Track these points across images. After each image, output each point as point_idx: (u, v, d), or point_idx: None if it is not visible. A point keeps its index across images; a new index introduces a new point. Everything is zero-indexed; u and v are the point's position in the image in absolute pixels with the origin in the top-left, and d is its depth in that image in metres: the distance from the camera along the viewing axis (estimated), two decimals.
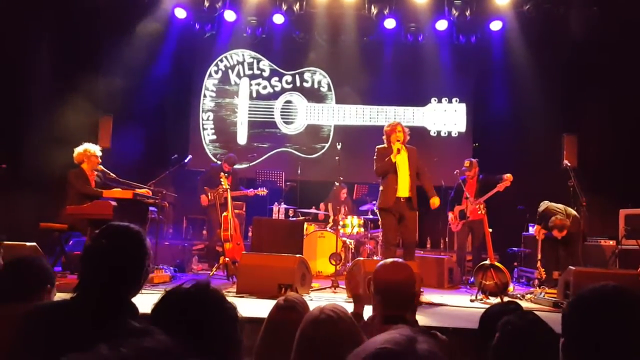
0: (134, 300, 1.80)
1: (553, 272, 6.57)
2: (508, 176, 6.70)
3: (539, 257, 6.51)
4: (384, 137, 6.03)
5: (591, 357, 1.41)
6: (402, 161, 5.85)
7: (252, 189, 7.78)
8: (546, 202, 6.80)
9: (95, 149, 6.27)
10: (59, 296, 1.89)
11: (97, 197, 5.80)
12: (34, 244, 5.16)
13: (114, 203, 5.59)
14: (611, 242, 7.39)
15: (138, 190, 6.06)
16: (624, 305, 1.42)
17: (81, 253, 1.80)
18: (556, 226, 6.45)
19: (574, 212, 6.72)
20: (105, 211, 5.49)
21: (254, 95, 10.03)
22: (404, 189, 5.80)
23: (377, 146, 6.09)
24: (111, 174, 6.30)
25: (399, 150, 5.79)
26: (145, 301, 1.73)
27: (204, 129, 9.97)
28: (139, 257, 1.76)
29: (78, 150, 6.22)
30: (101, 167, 6.29)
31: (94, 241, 1.75)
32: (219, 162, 8.56)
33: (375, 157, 6.06)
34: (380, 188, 5.98)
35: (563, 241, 6.58)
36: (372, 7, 8.81)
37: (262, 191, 7.84)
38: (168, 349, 0.87)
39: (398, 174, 5.81)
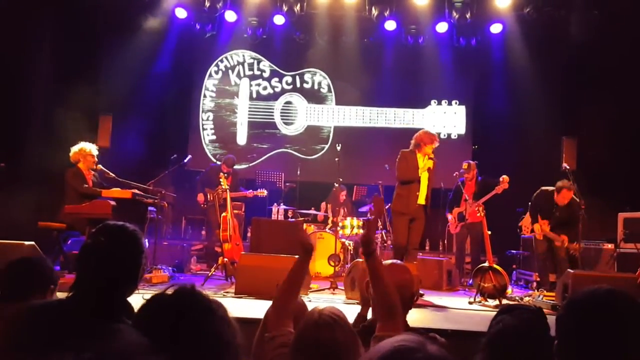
0: (130, 299, 1.79)
1: (550, 275, 6.58)
2: (504, 178, 6.71)
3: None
4: (414, 141, 6.16)
5: (584, 359, 1.41)
6: (425, 172, 6.13)
7: (251, 190, 7.78)
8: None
9: (91, 148, 6.25)
10: (58, 295, 1.90)
11: (95, 196, 5.80)
12: (33, 243, 5.14)
13: (112, 203, 5.60)
14: (610, 246, 7.39)
15: (135, 190, 6.05)
16: (617, 308, 1.42)
17: (78, 252, 1.79)
18: (564, 186, 6.46)
19: None
20: (104, 211, 5.50)
21: (254, 95, 10.03)
22: (422, 197, 6.11)
23: (403, 150, 6.23)
24: (110, 173, 6.29)
25: (429, 169, 6.02)
26: (141, 301, 1.72)
27: (203, 129, 9.97)
28: (134, 256, 1.76)
29: (74, 149, 6.21)
30: (100, 166, 6.28)
31: (90, 240, 1.75)
32: (218, 163, 8.55)
33: (398, 160, 6.18)
34: (398, 192, 6.15)
35: (563, 218, 6.50)
36: (373, 8, 8.82)
37: (262, 192, 7.83)
38: (133, 351, 0.87)
39: (420, 184, 6.10)
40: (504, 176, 6.71)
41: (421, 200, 6.09)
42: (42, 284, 2.36)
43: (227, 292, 5.54)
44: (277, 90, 10.04)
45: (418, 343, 0.98)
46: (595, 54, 8.31)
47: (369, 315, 2.49)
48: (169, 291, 1.41)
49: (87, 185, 6.02)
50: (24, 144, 7.81)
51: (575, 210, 6.53)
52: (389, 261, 2.54)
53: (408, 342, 0.98)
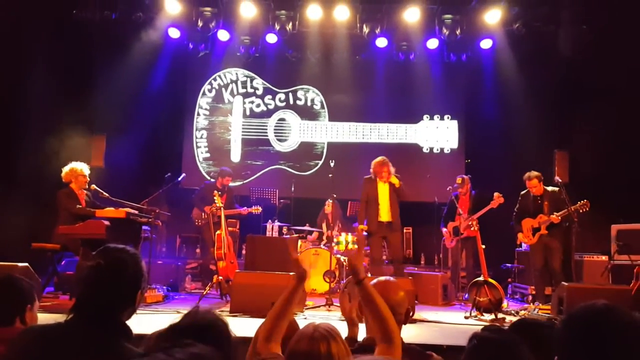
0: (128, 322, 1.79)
1: (546, 288, 6.58)
2: (497, 195, 6.81)
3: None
4: (371, 170, 6.85)
5: None
6: (383, 192, 6.75)
7: (245, 207, 7.76)
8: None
9: (82, 168, 6.22)
10: (53, 317, 1.87)
11: (88, 216, 5.76)
12: (26, 264, 5.12)
13: (106, 222, 5.56)
14: (603, 258, 7.42)
15: (129, 209, 6.02)
16: (614, 323, 1.44)
17: (77, 274, 1.82)
18: (536, 175, 6.63)
19: None
20: (98, 231, 5.47)
21: (248, 113, 10.08)
22: (385, 215, 6.72)
23: (365, 177, 6.98)
24: (104, 193, 6.25)
25: (394, 186, 6.74)
26: (137, 322, 1.73)
27: (197, 147, 9.99)
28: (135, 279, 1.77)
29: (65, 169, 6.19)
30: (94, 186, 6.25)
31: (90, 263, 1.75)
32: (212, 180, 8.54)
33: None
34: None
35: (555, 202, 6.53)
36: (364, 26, 8.90)
37: (256, 209, 7.80)
38: (213, 355, 1.03)
39: (379, 203, 6.73)
40: (496, 193, 6.81)
41: (384, 217, 6.70)
42: (17, 306, 2.22)
43: (222, 311, 5.51)
44: (271, 107, 10.09)
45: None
46: (585, 67, 8.39)
47: (360, 337, 2.47)
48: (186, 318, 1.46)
49: (80, 206, 5.98)
50: (18, 164, 7.78)
51: (555, 192, 6.60)
52: (383, 278, 2.51)
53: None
